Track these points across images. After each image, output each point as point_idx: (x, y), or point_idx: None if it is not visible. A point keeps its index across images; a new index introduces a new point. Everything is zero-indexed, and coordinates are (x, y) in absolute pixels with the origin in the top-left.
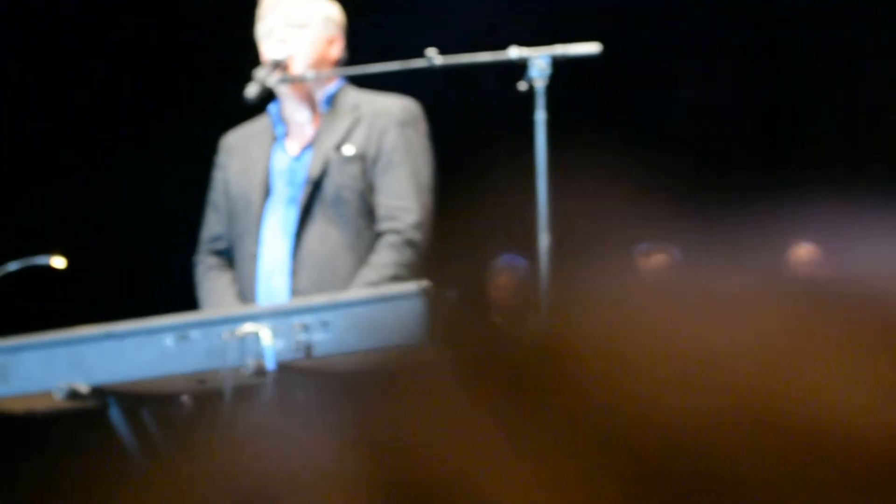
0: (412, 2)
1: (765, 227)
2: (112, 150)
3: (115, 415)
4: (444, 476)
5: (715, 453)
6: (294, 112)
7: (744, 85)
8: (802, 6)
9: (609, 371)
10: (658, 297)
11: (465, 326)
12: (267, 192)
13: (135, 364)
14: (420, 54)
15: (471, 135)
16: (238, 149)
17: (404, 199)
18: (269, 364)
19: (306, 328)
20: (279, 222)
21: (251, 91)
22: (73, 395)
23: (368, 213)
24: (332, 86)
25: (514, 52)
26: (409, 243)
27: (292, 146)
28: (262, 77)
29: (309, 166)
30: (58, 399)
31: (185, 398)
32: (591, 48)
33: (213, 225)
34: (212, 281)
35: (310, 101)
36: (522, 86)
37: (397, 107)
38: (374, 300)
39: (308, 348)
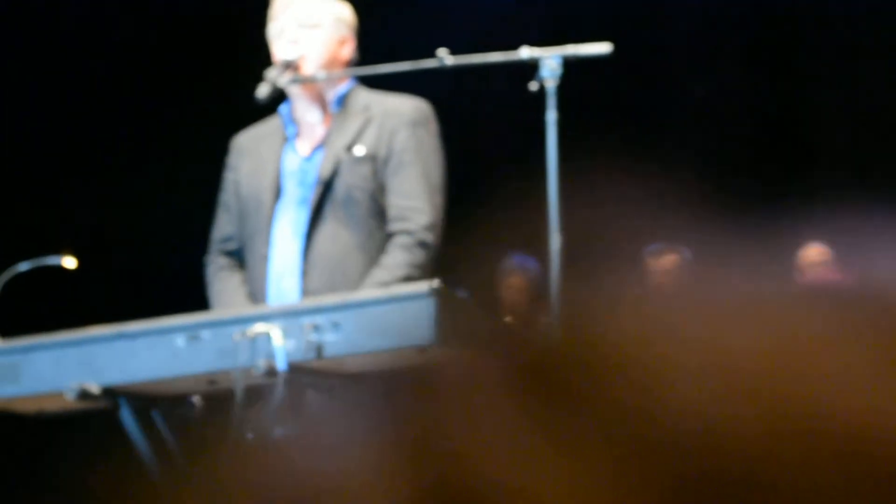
0: (423, 3)
1: (775, 226)
2: (124, 151)
3: (126, 415)
4: (461, 479)
5: (739, 457)
6: (305, 112)
7: (756, 86)
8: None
9: (625, 373)
10: (674, 298)
11: (477, 327)
12: (278, 193)
13: (145, 364)
14: (431, 55)
15: (482, 135)
16: (249, 149)
17: (415, 199)
18: (280, 364)
19: (317, 329)
20: (290, 223)
21: (262, 91)
22: (84, 395)
23: (379, 213)
24: (343, 86)
25: (525, 53)
26: (421, 244)
27: (303, 147)
28: (274, 77)
29: (320, 167)
30: (68, 399)
31: (195, 398)
32: (602, 48)
33: (223, 225)
34: (222, 281)
35: (321, 102)
36: (533, 86)
37: (408, 107)
38: (385, 300)
39: (319, 349)
